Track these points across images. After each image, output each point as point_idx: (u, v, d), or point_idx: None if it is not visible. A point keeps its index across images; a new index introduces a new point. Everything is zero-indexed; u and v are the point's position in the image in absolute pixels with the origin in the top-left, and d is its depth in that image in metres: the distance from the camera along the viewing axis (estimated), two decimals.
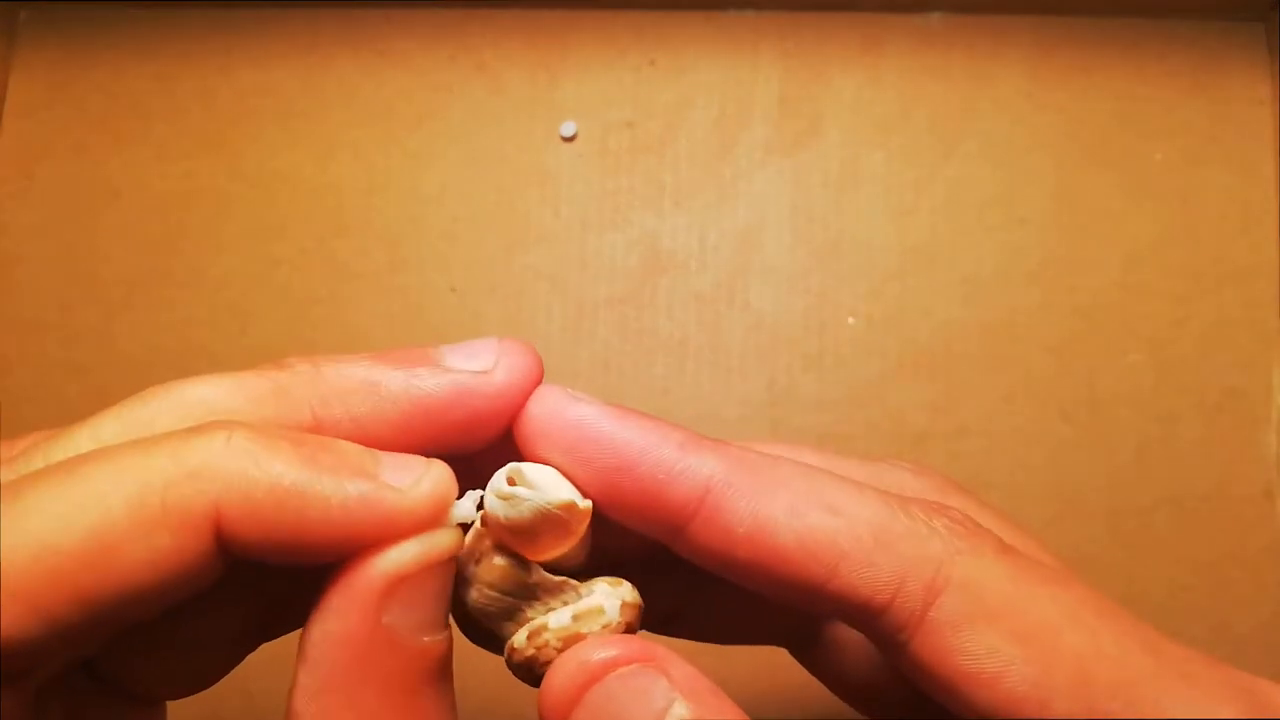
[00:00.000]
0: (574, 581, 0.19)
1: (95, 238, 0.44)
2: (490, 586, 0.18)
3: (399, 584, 0.17)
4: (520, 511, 0.18)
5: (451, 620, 0.19)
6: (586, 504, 0.18)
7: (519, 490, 0.18)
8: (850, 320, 0.42)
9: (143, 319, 0.43)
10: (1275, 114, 0.42)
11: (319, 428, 0.18)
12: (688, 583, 0.23)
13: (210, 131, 0.44)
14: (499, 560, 0.18)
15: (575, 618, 0.18)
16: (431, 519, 0.17)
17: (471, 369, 0.19)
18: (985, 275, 0.42)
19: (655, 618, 0.23)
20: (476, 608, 0.19)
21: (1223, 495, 0.39)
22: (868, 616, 0.18)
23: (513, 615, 0.19)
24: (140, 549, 0.15)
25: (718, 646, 0.26)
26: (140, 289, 0.43)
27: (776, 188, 0.43)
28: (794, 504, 0.18)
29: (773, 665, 0.34)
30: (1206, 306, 0.41)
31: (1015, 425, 0.40)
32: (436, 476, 0.17)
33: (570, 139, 0.43)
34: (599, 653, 0.17)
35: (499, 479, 0.18)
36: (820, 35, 0.44)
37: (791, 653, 0.26)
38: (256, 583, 0.20)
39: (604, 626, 0.18)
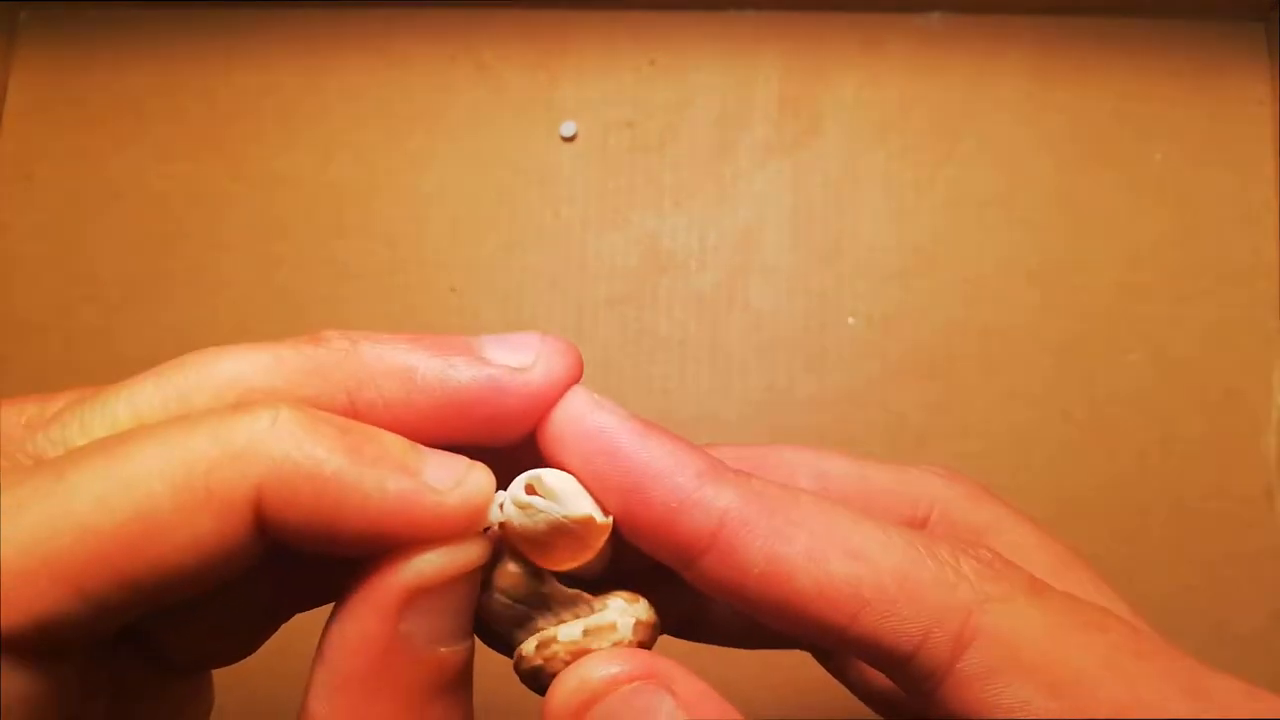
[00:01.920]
0: (588, 595, 0.18)
1: (95, 238, 0.44)
2: (504, 593, 0.18)
3: (420, 593, 0.16)
4: (536, 522, 0.17)
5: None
6: (606, 520, 0.18)
7: (536, 500, 0.17)
8: (850, 320, 0.42)
9: (143, 319, 0.43)
10: (1275, 114, 0.42)
11: (353, 410, 0.17)
12: None
13: (210, 132, 0.44)
14: (513, 567, 0.18)
15: (586, 632, 0.18)
16: (466, 525, 0.17)
17: (510, 364, 0.18)
18: (985, 275, 0.42)
19: (677, 622, 0.23)
20: (489, 612, 0.18)
21: (1223, 495, 0.39)
22: (891, 663, 0.17)
23: (524, 623, 0.18)
24: (182, 531, 0.15)
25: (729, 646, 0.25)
26: (140, 289, 0.43)
27: (776, 188, 0.43)
28: (813, 547, 0.17)
29: (787, 665, 0.34)
30: (1207, 306, 0.41)
31: (1015, 425, 0.40)
32: (477, 482, 0.17)
33: (570, 139, 0.43)
34: (601, 670, 0.17)
35: (518, 485, 0.18)
36: (820, 35, 0.44)
37: (815, 657, 0.25)
38: (291, 554, 0.20)
39: (615, 644, 0.18)
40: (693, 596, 0.23)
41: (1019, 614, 0.16)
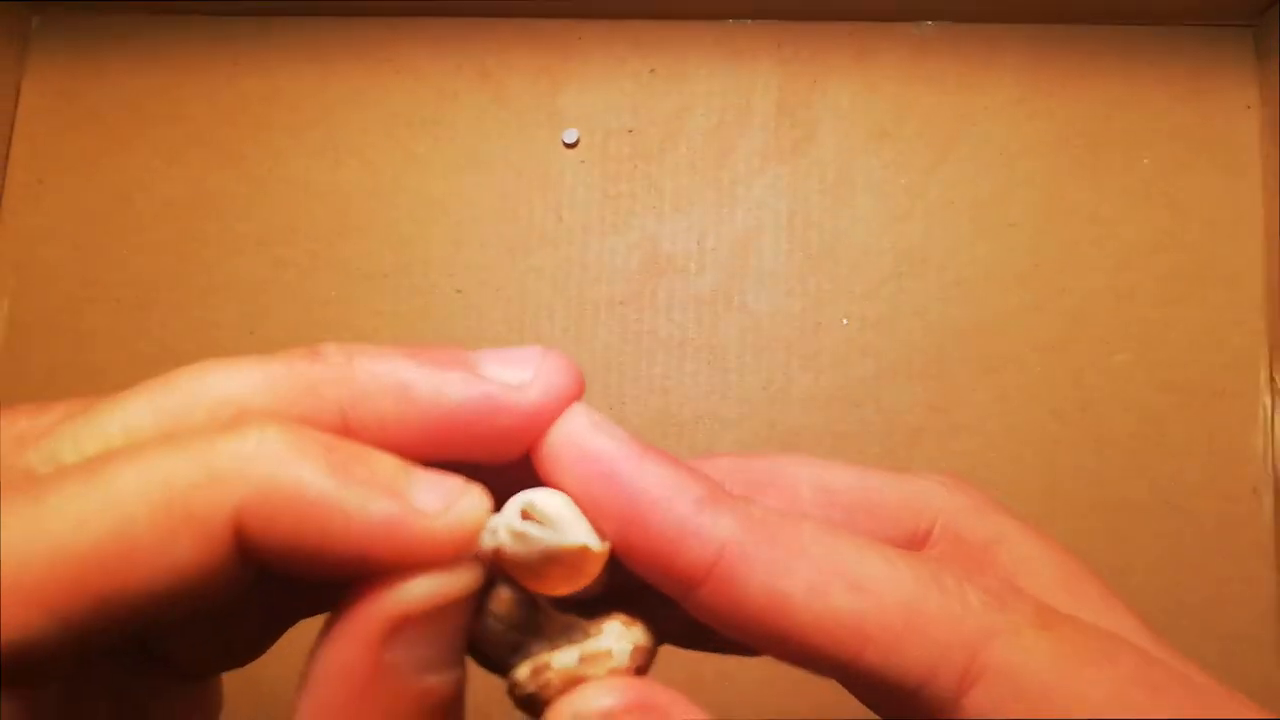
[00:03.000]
0: (583, 622, 0.18)
1: (106, 242, 0.44)
2: (497, 618, 0.18)
3: (406, 622, 0.16)
4: (529, 550, 0.17)
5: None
6: (603, 546, 0.17)
7: (529, 527, 0.17)
8: (845, 321, 0.42)
9: (154, 322, 0.43)
10: (1262, 119, 0.43)
11: (347, 428, 0.17)
12: None
13: (220, 137, 0.45)
14: (506, 592, 0.17)
15: (582, 659, 0.17)
16: (456, 551, 0.16)
17: (507, 381, 0.17)
18: (977, 278, 0.42)
19: (683, 632, 0.23)
20: (483, 637, 0.18)
21: (1211, 493, 0.40)
22: (895, 698, 0.16)
23: (519, 649, 0.18)
24: (160, 555, 0.15)
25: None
26: (151, 292, 0.44)
27: (774, 193, 0.44)
28: (814, 579, 0.16)
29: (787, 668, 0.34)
30: (1195, 308, 0.41)
31: (1007, 424, 0.41)
32: (469, 505, 0.16)
33: (572, 145, 0.44)
34: (596, 702, 0.16)
35: (512, 509, 0.17)
36: (816, 44, 0.44)
37: None
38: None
39: (611, 670, 0.17)
40: None
41: (1026, 648, 0.16)
